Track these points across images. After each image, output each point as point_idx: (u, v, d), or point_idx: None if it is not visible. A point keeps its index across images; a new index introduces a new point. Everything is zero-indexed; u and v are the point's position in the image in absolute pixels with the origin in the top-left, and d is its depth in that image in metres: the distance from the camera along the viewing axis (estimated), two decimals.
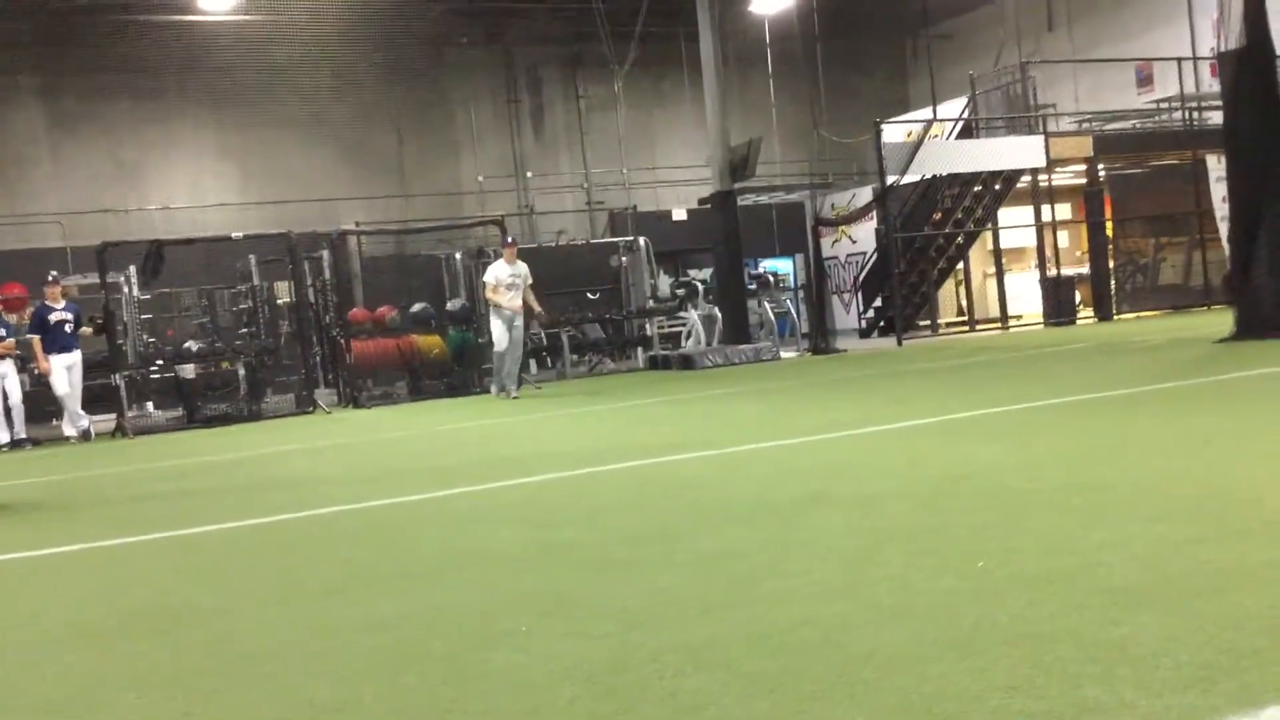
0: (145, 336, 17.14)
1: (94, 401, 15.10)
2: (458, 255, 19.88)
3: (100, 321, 14.67)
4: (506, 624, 3.25)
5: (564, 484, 6.27)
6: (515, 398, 14.24)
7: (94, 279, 15.69)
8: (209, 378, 15.48)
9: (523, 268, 14.38)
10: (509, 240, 14.82)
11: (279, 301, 17.99)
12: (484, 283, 14.58)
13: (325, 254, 17.48)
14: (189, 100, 23.52)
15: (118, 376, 14.59)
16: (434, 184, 25.60)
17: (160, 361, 15.48)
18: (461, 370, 17.08)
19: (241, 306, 17.87)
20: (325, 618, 3.57)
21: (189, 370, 15.14)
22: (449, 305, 17.74)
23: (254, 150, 24.15)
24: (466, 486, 6.46)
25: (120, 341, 15.39)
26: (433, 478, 7.14)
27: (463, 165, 26.41)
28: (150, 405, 16.81)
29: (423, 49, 24.04)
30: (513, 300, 14.11)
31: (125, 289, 16.86)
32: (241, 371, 15.43)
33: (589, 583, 3.72)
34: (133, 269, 16.70)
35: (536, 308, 14.69)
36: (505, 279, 14.15)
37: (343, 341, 16.08)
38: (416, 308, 17.24)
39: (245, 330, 17.01)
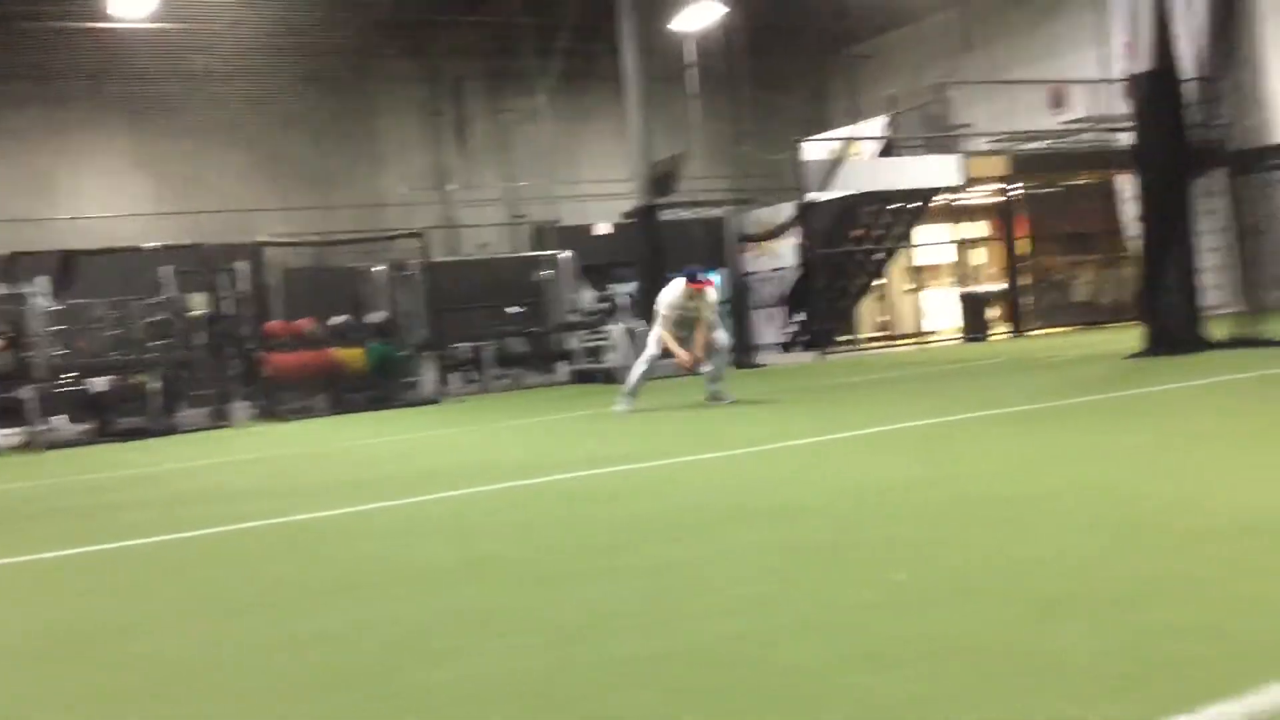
0: (55, 349, 16.69)
1: (3, 414, 14.68)
2: (379, 267, 19.70)
3: (10, 334, 14.27)
4: (435, 640, 3.22)
5: (489, 498, 6.23)
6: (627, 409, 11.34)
7: (2, 290, 15.26)
8: (122, 390, 15.14)
9: (707, 299, 11.03)
10: (704, 276, 11.25)
11: (194, 313, 17.64)
12: (656, 312, 11.30)
13: (242, 265, 17.20)
14: (102, 108, 23.02)
15: (27, 389, 14.20)
16: (355, 195, 25.34)
17: (71, 374, 15.10)
18: (382, 384, 16.90)
19: (155, 319, 17.49)
20: (244, 635, 3.50)
21: (101, 383, 14.80)
22: (369, 318, 17.56)
23: (169, 159, 23.70)
24: (390, 500, 6.39)
25: (30, 354, 14.99)
26: (354, 492, 7.05)
27: (385, 177, 26.19)
28: (61, 419, 16.37)
29: (345, 59, 23.82)
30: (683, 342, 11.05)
31: (35, 300, 16.41)
32: (156, 384, 15.11)
33: (518, 597, 3.70)
34: (43, 280, 16.27)
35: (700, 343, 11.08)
36: (678, 312, 11.02)
37: (259, 354, 15.83)
38: (337, 320, 17.05)
39: (160, 342, 16.65)
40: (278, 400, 15.82)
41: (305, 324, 16.78)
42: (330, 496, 6.92)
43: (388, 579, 4.20)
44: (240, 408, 16.09)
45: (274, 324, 16.77)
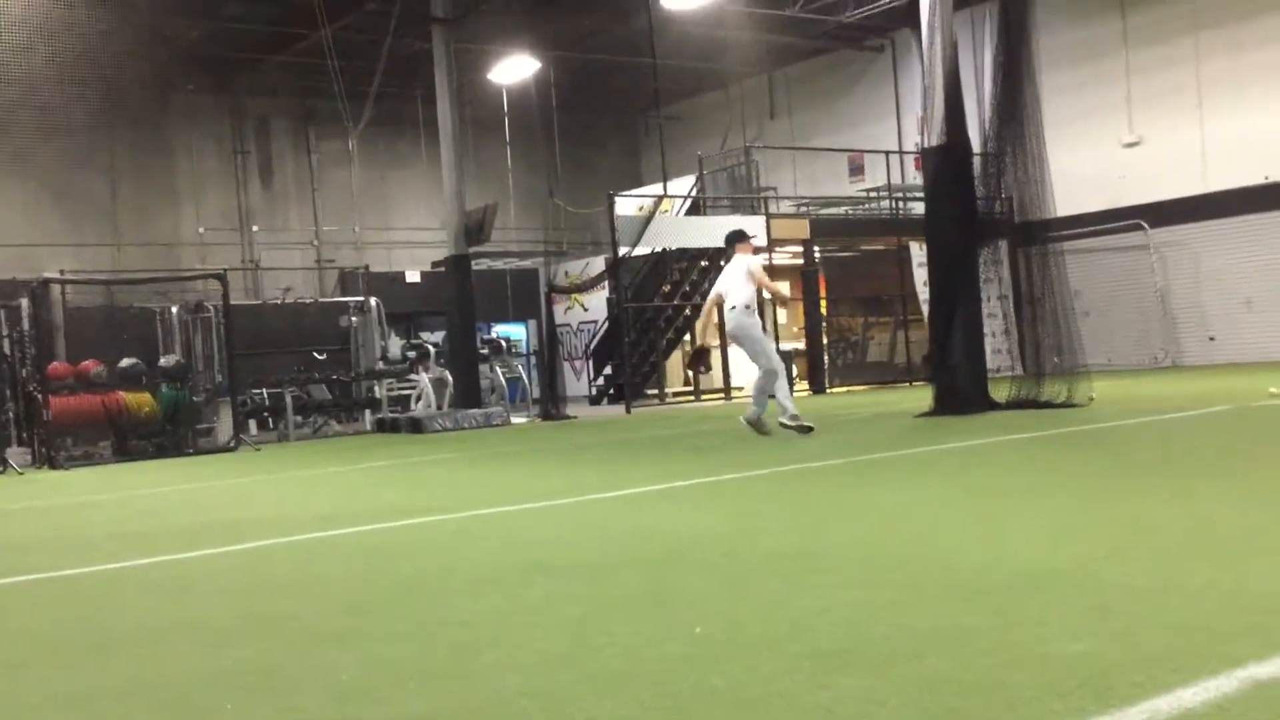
0: None
1: None
2: (174, 309, 18.92)
3: None
4: (209, 701, 3.06)
5: (281, 551, 6.01)
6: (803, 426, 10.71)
7: None
8: None
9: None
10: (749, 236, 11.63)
11: None
12: (755, 274, 10.86)
13: (24, 302, 16.27)
14: None
15: None
16: (150, 233, 24.35)
17: None
18: (174, 430, 16.18)
19: None
20: (10, 695, 3.26)
21: None
22: (162, 361, 16.82)
23: None
24: (172, 554, 6.08)
25: None
26: (135, 544, 6.69)
27: (182, 215, 25.27)
28: None
29: (144, 92, 22.92)
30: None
31: None
32: None
33: (302, 655, 3.55)
34: None
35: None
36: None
37: (40, 397, 14.95)
38: (126, 363, 16.26)
39: None
40: (58, 446, 14.94)
41: (91, 366, 15.93)
42: (106, 549, 6.55)
43: (164, 636, 3.98)
44: (16, 453, 15.12)
45: (57, 366, 15.88)
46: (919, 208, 18.56)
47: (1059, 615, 3.33)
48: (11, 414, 15.99)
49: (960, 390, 12.42)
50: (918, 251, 20.83)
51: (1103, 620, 3.23)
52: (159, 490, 10.60)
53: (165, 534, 7.24)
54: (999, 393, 12.59)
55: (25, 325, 16.19)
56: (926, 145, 13.32)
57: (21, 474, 13.89)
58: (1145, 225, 21.07)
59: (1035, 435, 9.56)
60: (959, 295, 12.65)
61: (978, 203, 12.95)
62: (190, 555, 6.03)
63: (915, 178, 22.17)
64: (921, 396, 13.46)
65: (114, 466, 14.56)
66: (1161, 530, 4.73)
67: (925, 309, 18.78)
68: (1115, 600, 3.47)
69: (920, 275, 20.66)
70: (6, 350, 15.91)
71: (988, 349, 13.64)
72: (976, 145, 13.09)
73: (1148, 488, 6.14)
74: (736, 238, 11.45)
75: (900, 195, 23.16)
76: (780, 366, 10.88)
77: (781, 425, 10.76)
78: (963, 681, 2.74)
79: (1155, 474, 6.78)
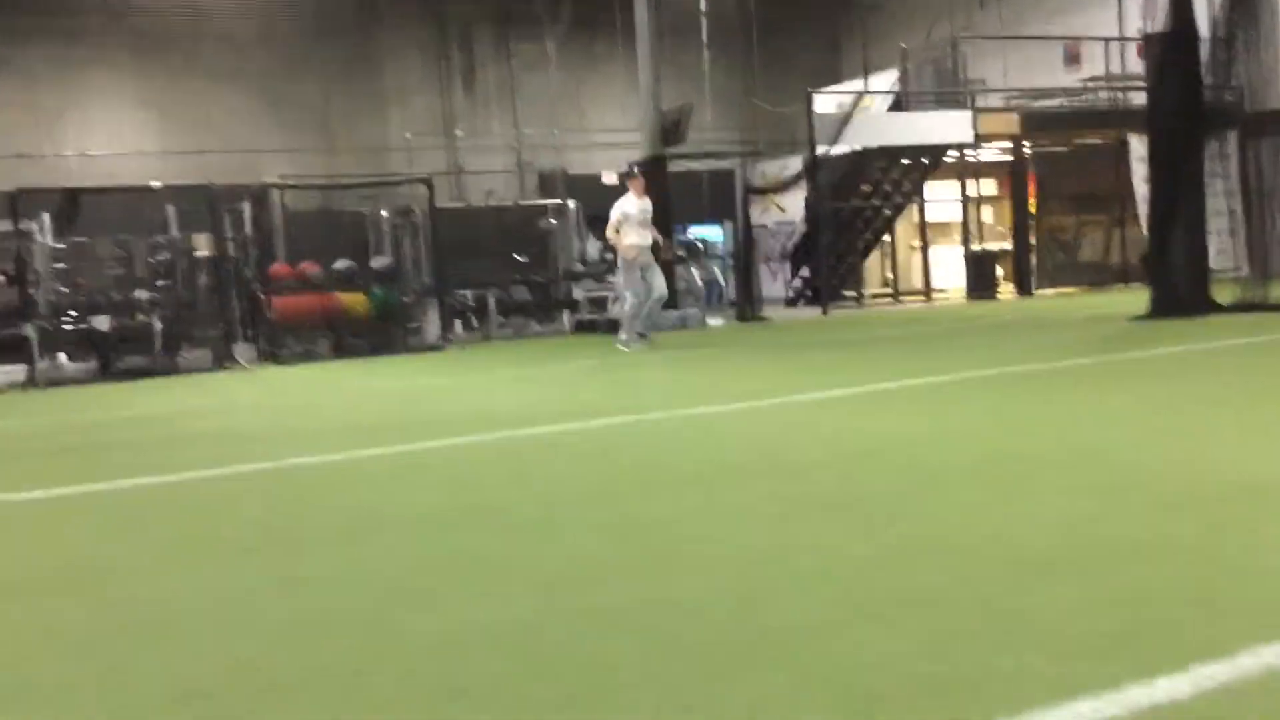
0: (58, 286, 16.68)
1: (4, 351, 14.70)
2: (384, 212, 19.62)
3: (13, 271, 14.25)
4: (422, 587, 3.23)
5: (486, 446, 6.24)
6: (640, 347, 12.74)
7: (6, 226, 15.24)
8: (125, 330, 15.13)
9: (649, 203, 12.70)
10: (634, 171, 12.98)
11: (198, 254, 17.60)
12: (610, 222, 12.58)
13: (246, 207, 17.14)
14: (109, 47, 22.89)
15: (29, 327, 14.21)
16: (360, 139, 25.21)
17: (74, 312, 15.09)
18: (386, 329, 16.89)
19: (159, 258, 17.46)
20: (240, 577, 3.53)
21: (103, 322, 14.78)
22: (374, 263, 17.52)
23: (175, 99, 23.58)
24: (387, 447, 6.40)
25: (32, 291, 14.98)
26: (352, 437, 7.07)
27: (390, 121, 26.03)
28: (63, 357, 16.38)
29: (351, 2, 23.62)
30: (642, 239, 12.45)
31: (38, 237, 16.39)
32: (158, 325, 15.10)
33: (508, 545, 3.71)
34: (46, 217, 16.23)
35: (660, 239, 13.17)
36: (635, 215, 12.35)
37: (263, 297, 15.81)
38: (341, 264, 17.00)
39: (162, 283, 16.63)
40: (280, 343, 15.81)
41: (309, 267, 16.73)
42: (327, 441, 6.93)
43: (380, 525, 4.22)
44: (243, 350, 16.08)
45: (278, 267, 16.74)
46: (1140, 98, 17.48)
47: (1274, 528, 3.19)
48: (238, 312, 16.98)
49: (1179, 292, 11.82)
50: (1138, 145, 19.71)
51: None
52: (372, 386, 11.14)
53: (379, 428, 7.63)
54: (1222, 295, 11.93)
55: (247, 228, 17.07)
56: (1150, 31, 12.51)
57: (248, 369, 14.78)
58: None
59: (1259, 340, 9.03)
60: (1181, 191, 11.96)
61: (1205, 91, 12.14)
62: (403, 448, 6.33)
63: (1137, 66, 20.86)
64: (1137, 299, 12.86)
65: (331, 363, 15.31)
66: None
67: (1144, 207, 17.81)
68: None
69: (1140, 170, 19.56)
70: (232, 252, 16.84)
71: (1211, 249, 12.87)
72: (1205, 30, 12.22)
73: None
74: (624, 175, 13.26)
75: (1120, 85, 21.86)
76: (636, 298, 12.75)
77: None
78: (1169, 592, 2.66)
79: None
